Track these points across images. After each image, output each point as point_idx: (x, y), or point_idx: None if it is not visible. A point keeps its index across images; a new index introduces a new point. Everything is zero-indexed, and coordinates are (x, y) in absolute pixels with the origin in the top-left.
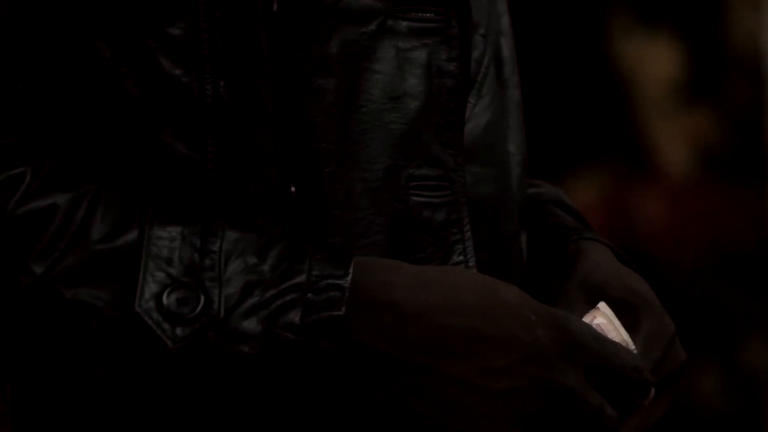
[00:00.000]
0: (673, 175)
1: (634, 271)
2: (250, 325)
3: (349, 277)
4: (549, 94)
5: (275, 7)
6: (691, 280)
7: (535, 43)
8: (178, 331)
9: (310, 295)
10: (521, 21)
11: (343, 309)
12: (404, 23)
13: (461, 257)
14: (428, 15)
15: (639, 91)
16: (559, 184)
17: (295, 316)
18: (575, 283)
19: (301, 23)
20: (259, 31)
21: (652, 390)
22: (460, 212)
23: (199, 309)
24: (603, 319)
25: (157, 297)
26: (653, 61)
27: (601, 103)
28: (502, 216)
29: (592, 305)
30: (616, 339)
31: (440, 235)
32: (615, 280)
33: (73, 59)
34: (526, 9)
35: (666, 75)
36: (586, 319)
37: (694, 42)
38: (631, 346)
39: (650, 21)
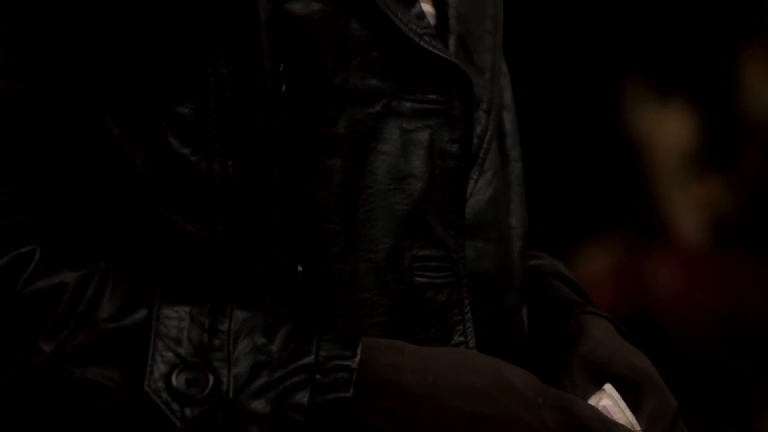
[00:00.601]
0: (687, 244)
1: (636, 347)
2: (259, 406)
3: (358, 358)
4: (563, 162)
5: (284, 87)
6: (705, 349)
7: (549, 112)
8: (188, 411)
9: (318, 376)
10: (534, 89)
11: (352, 390)
12: (408, 104)
13: (461, 338)
14: (431, 96)
15: (652, 159)
16: (572, 253)
17: (303, 397)
18: (578, 360)
19: (309, 104)
20: (268, 112)
21: None
22: (460, 293)
23: (208, 390)
24: (609, 401)
25: (167, 377)
26: (666, 129)
27: (615, 171)
28: (504, 290)
29: (595, 383)
30: (622, 421)
31: (442, 316)
32: (618, 358)
33: (81, 136)
34: (539, 77)
35: (679, 143)
36: (592, 400)
37: (707, 110)
38: (637, 428)
39: (663, 89)
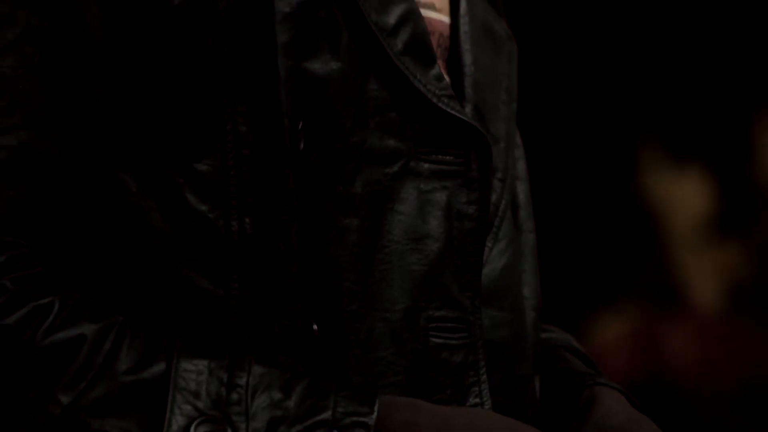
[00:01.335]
0: (703, 310)
1: (647, 417)
2: None
3: (375, 415)
4: (580, 227)
5: (302, 145)
6: (721, 415)
7: (565, 178)
8: None
9: (335, 431)
10: (550, 155)
11: None
12: (426, 165)
13: (477, 399)
14: (449, 158)
15: (668, 225)
16: (588, 319)
17: None
18: (591, 427)
19: (327, 162)
20: (286, 169)
21: None
22: (476, 355)
23: None
24: None
25: (185, 430)
26: (682, 196)
27: (631, 237)
28: (518, 359)
29: None
30: None
31: (458, 378)
32: (632, 426)
33: (99, 191)
34: (554, 144)
35: (695, 209)
36: None
37: (722, 177)
38: None
39: (679, 156)
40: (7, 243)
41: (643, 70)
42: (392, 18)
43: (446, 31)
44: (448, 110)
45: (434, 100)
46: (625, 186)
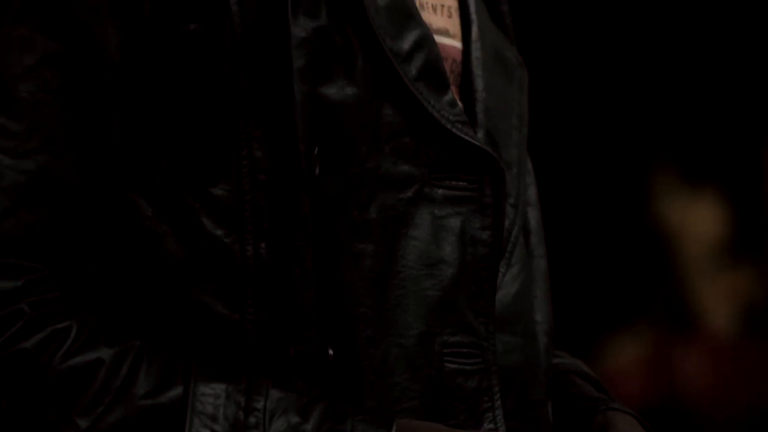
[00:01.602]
0: (716, 334)
1: None
2: None
3: None
4: (594, 252)
5: (317, 171)
6: None
7: (580, 204)
8: None
9: None
10: (565, 182)
11: None
12: (440, 191)
13: (491, 425)
14: (463, 183)
15: (682, 249)
16: (602, 343)
17: None
18: None
19: (342, 188)
20: (302, 194)
21: None
22: (490, 380)
23: None
24: None
25: None
26: (696, 220)
27: (645, 261)
28: (530, 384)
29: None
30: None
31: (472, 403)
32: None
33: (115, 216)
34: (569, 168)
35: (709, 233)
36: None
37: (736, 201)
38: None
39: (693, 180)
40: (24, 267)
41: (656, 95)
42: (406, 44)
43: (459, 57)
44: (462, 136)
45: (448, 125)
46: (639, 211)
